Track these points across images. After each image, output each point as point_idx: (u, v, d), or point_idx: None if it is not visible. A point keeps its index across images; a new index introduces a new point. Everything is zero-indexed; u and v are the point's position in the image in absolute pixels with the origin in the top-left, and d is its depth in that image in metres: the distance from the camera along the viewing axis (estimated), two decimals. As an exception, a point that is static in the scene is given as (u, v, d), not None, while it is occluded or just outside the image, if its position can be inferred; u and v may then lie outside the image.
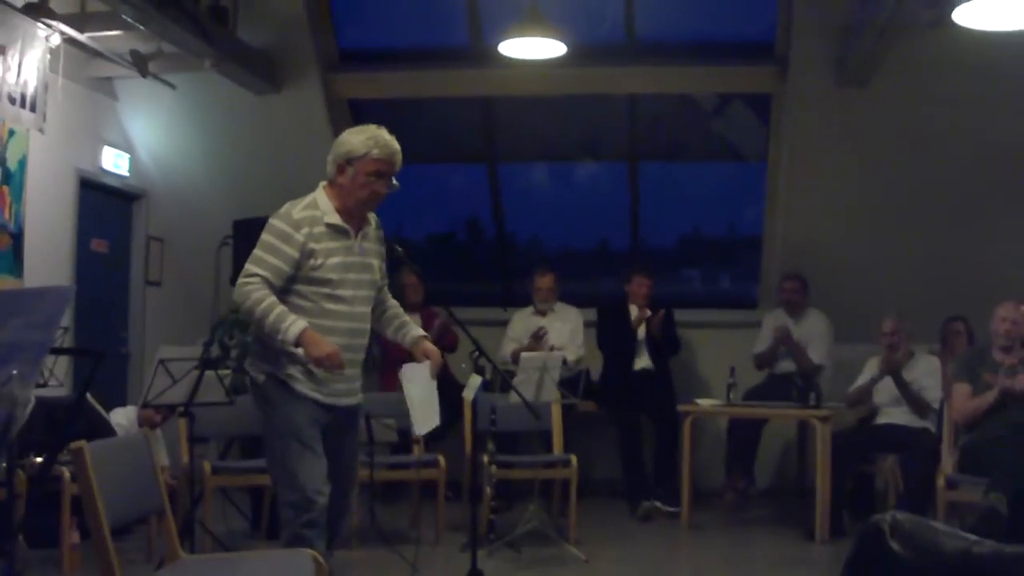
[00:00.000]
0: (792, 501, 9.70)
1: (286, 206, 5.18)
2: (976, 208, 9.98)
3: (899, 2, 7.42)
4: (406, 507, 8.75)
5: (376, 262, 5.38)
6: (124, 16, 7.99)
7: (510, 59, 8.90)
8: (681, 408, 9.14)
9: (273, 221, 5.14)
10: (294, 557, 4.60)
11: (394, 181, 5.24)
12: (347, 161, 5.18)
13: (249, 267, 5.08)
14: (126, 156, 10.46)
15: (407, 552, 5.91)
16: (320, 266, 5.13)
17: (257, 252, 5.10)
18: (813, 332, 9.95)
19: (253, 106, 10.22)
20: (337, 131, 10.32)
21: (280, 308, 5.02)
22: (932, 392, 8.54)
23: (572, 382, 8.80)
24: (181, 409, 6.99)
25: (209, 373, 6.97)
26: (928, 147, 9.66)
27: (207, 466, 7.46)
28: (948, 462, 7.83)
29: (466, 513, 7.43)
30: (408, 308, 6.29)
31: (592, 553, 7.67)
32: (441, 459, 8.08)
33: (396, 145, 5.22)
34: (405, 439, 8.29)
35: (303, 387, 5.11)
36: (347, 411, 5.29)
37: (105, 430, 7.44)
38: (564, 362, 8.54)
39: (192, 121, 10.56)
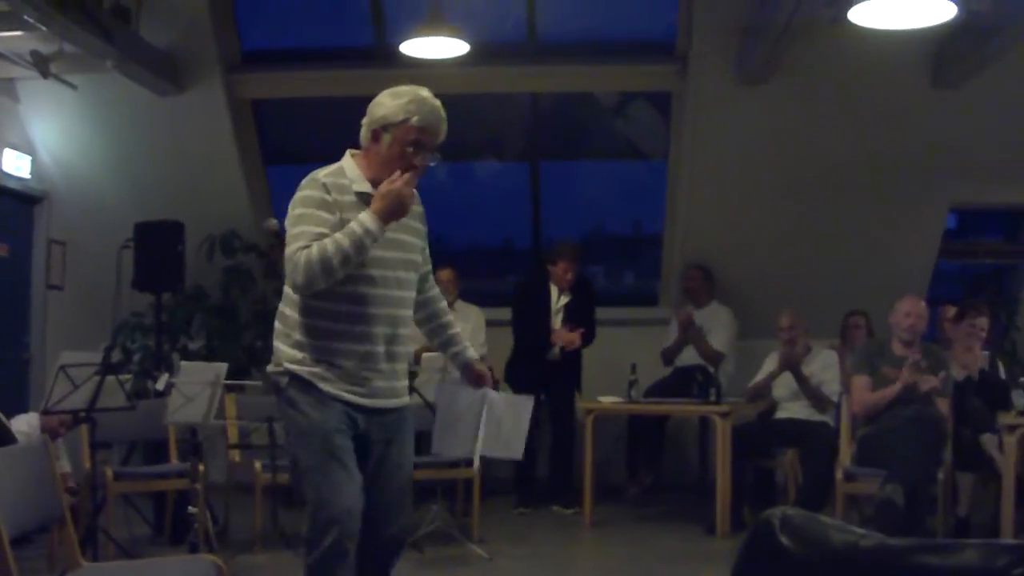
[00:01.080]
0: (694, 496, 9.79)
1: (308, 177, 4.52)
2: (875, 204, 10.15)
3: (799, 1, 7.54)
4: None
5: (417, 241, 4.70)
6: (25, 16, 7.88)
7: (413, 59, 8.91)
8: (583, 406, 9.21)
9: (301, 194, 4.47)
10: (196, 563, 4.58)
11: (437, 154, 4.57)
12: (383, 127, 4.48)
13: (290, 249, 4.35)
14: (27, 158, 10.35)
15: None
16: None
17: (294, 230, 4.39)
18: (715, 321, 10.07)
19: (155, 107, 10.11)
20: (240, 132, 10.33)
21: (337, 234, 4.32)
22: (831, 386, 8.68)
23: (474, 381, 8.78)
24: (83, 415, 6.93)
25: (110, 378, 6.92)
26: (827, 144, 9.80)
27: (109, 472, 7.42)
28: (846, 455, 7.97)
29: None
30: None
31: (495, 551, 7.74)
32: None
33: (442, 112, 4.53)
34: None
35: (333, 387, 4.43)
36: (392, 415, 4.59)
37: (7, 437, 7.36)
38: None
39: (94, 122, 10.44)
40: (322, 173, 4.51)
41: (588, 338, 9.70)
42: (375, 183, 4.47)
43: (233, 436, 7.95)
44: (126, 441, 8.81)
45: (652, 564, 7.73)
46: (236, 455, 8.09)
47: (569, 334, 9.54)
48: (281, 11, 10.72)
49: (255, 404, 7.88)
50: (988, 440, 8.05)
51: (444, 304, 4.98)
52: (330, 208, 4.40)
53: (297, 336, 4.48)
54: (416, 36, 8.56)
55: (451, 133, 4.58)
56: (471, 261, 11.40)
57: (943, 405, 7.84)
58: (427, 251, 4.80)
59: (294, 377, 4.46)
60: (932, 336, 9.48)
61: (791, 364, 8.68)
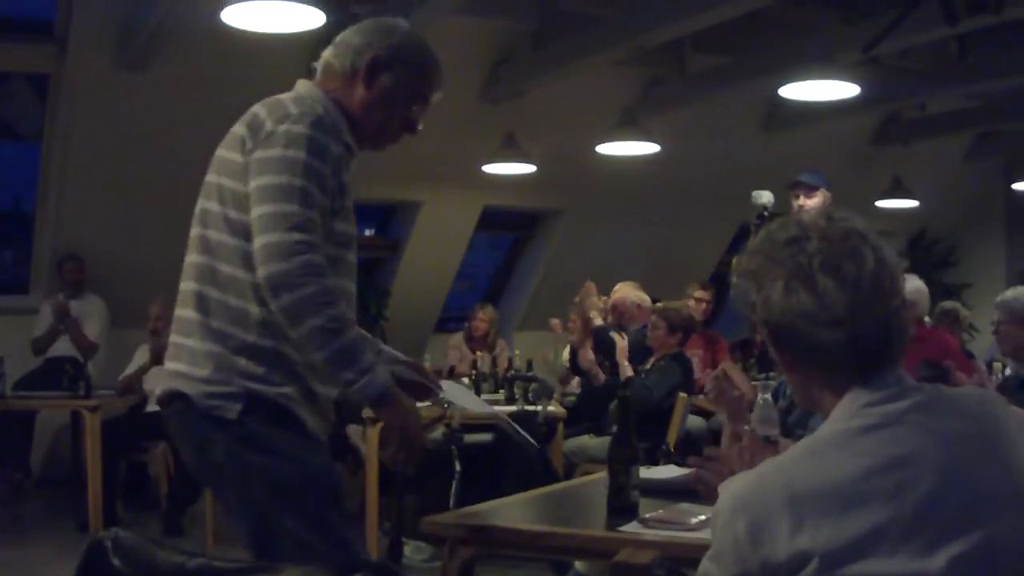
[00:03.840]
0: (68, 492, 9.50)
1: (294, 103, 3.15)
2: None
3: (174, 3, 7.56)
4: None
5: None
6: None
7: None
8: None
9: (299, 129, 3.05)
10: None
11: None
12: (391, 62, 3.21)
13: (292, 209, 2.97)
14: None
15: None
16: (346, 211, 3.19)
17: (292, 181, 3.00)
18: (90, 311, 9.93)
19: None
20: None
21: (355, 328, 3.08)
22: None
23: None
24: None
25: None
26: (198, 138, 9.77)
27: None
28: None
29: None
30: None
31: None
32: None
33: None
34: None
35: (306, 413, 3.16)
36: None
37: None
38: None
39: None
40: (317, 108, 3.13)
41: None
42: (354, 133, 3.23)
43: None
44: None
45: (32, 565, 7.47)
46: None
47: None
48: None
49: None
50: (354, 431, 8.34)
51: None
52: (332, 166, 3.08)
53: (252, 339, 3.13)
54: None
55: None
56: None
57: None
58: None
59: (261, 399, 3.10)
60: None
61: (162, 356, 8.63)
